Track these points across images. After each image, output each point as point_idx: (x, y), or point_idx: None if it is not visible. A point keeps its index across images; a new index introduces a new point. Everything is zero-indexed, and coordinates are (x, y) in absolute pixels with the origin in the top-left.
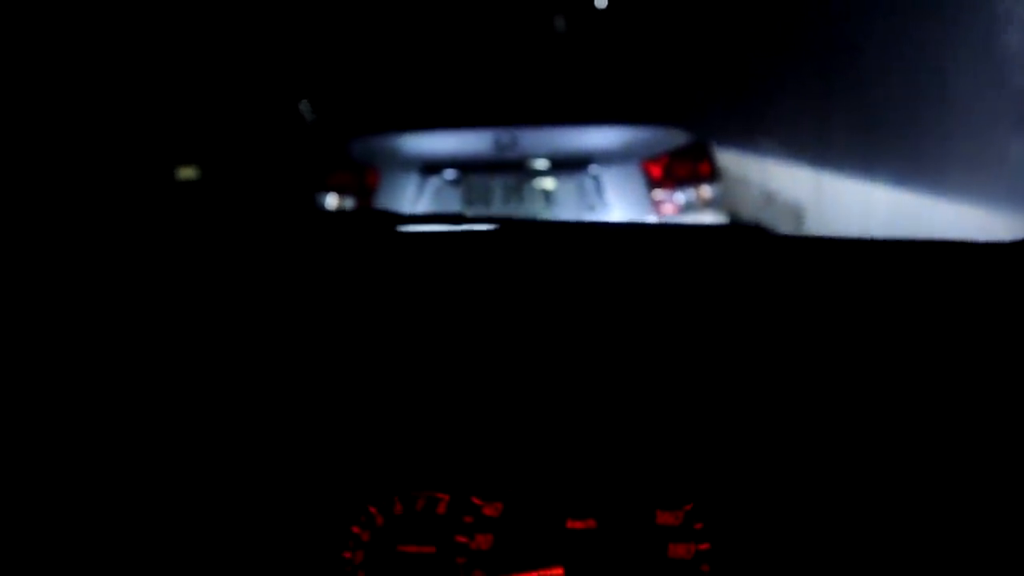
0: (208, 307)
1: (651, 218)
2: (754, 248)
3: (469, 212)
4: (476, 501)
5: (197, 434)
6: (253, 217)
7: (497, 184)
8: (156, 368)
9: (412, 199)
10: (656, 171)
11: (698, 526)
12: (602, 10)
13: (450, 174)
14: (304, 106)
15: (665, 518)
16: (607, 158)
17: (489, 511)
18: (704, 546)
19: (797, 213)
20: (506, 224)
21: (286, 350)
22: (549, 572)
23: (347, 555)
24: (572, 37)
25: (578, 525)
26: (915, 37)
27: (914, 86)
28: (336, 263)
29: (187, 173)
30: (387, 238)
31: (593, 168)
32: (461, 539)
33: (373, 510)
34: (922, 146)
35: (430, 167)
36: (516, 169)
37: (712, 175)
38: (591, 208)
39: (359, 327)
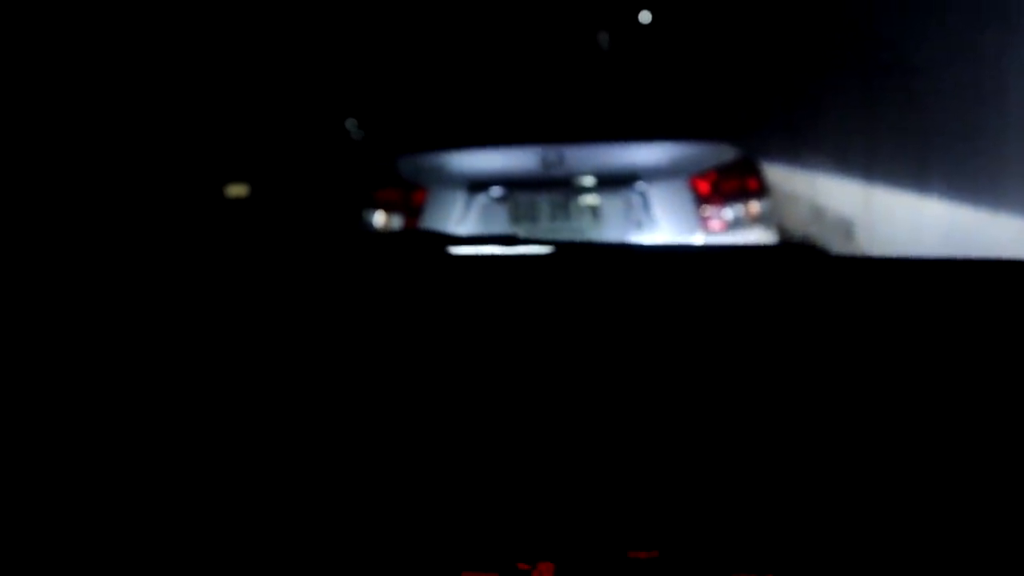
0: (256, 330)
1: (699, 234)
2: (806, 269)
3: (516, 229)
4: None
5: (227, 462)
6: (302, 237)
7: (544, 201)
8: (205, 392)
9: (459, 217)
10: (704, 187)
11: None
12: (646, 25)
13: (497, 191)
14: (351, 124)
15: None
16: (654, 174)
17: None
18: (770, 575)
19: (847, 229)
20: (557, 247)
21: (332, 378)
22: None
23: None
24: (617, 53)
25: (641, 555)
26: (967, 50)
27: (967, 99)
28: (387, 285)
29: (236, 191)
30: (438, 259)
31: (640, 185)
32: None
33: None
34: (976, 160)
35: (477, 185)
36: (563, 186)
37: (760, 190)
38: (638, 225)
39: (408, 355)
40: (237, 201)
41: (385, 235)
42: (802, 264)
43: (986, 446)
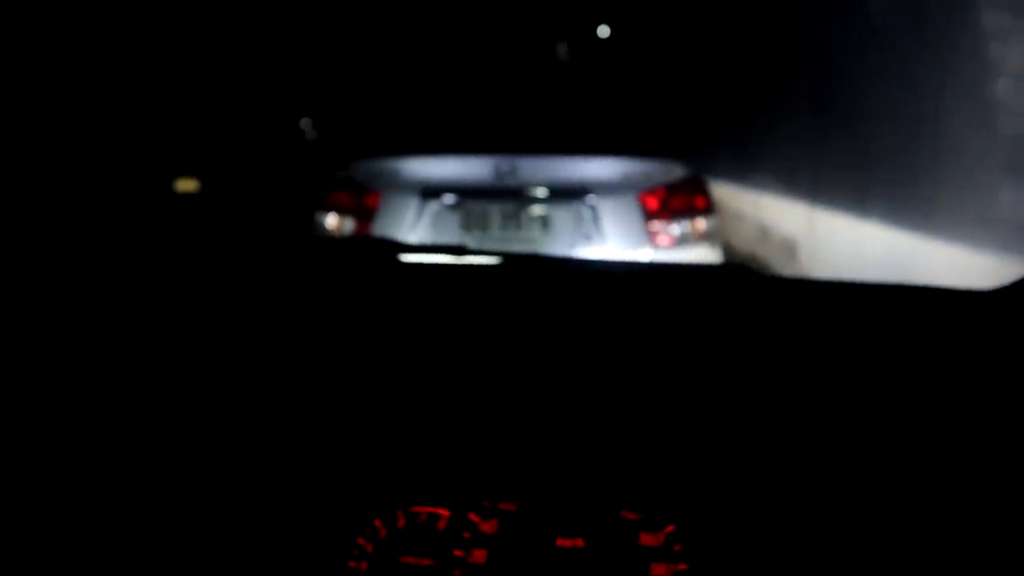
0: (210, 323)
1: (647, 249)
2: (743, 288)
3: (467, 237)
4: (473, 518)
5: (205, 450)
6: (253, 239)
7: (496, 210)
8: (153, 381)
9: (411, 222)
10: (652, 203)
11: (678, 548)
12: (605, 40)
13: (450, 199)
14: (306, 124)
15: (648, 539)
16: (604, 189)
17: (486, 528)
18: (683, 566)
19: (790, 248)
20: (506, 259)
21: (291, 369)
22: None
23: (352, 564)
24: (574, 66)
25: (567, 543)
26: (911, 80)
27: (908, 127)
28: (337, 289)
29: (187, 185)
30: (388, 267)
31: (590, 198)
32: (458, 553)
33: (378, 523)
34: (914, 186)
35: (430, 191)
36: (515, 196)
37: (707, 208)
38: (587, 237)
39: (364, 348)
40: (187, 196)
41: (336, 241)
42: (740, 284)
43: (900, 453)
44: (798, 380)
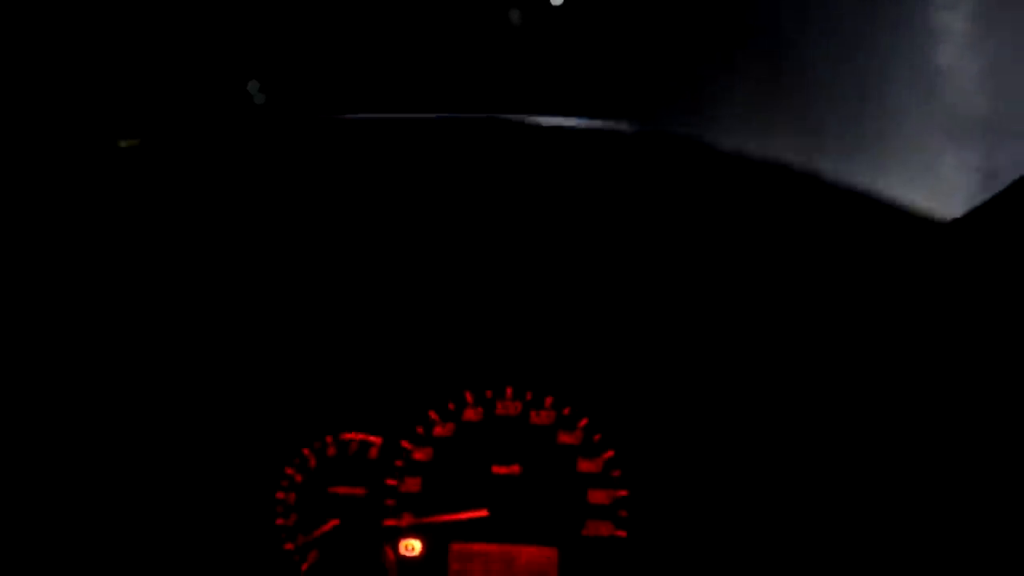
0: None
1: None
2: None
3: None
4: (406, 445)
5: (130, 373)
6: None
7: None
8: (95, 296)
9: None
10: None
11: (616, 473)
12: (557, 7)
13: None
14: (253, 86)
15: (586, 465)
16: None
17: (419, 455)
18: (622, 492)
19: None
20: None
21: (225, 276)
22: (474, 514)
23: (280, 495)
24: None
25: (503, 470)
26: (859, 45)
27: (855, 93)
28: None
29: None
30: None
31: None
32: (391, 482)
33: (307, 452)
34: (862, 151)
35: None
36: None
37: None
38: None
39: (291, 253)
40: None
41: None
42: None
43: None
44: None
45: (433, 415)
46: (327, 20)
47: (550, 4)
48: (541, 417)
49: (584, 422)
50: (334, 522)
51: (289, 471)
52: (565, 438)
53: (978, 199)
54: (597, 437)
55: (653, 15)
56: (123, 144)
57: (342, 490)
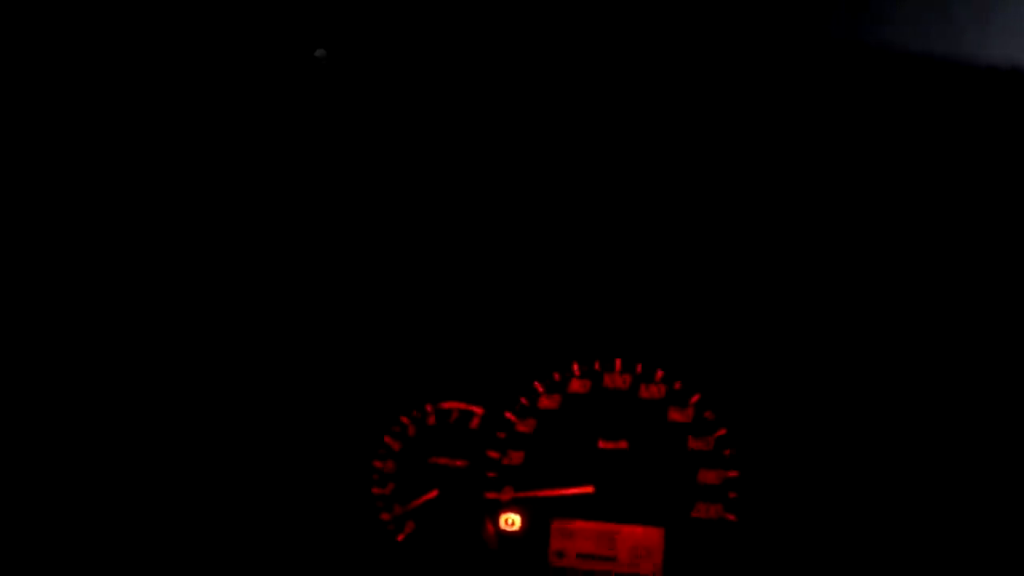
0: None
1: None
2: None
3: None
4: (510, 417)
5: (227, 350)
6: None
7: None
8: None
9: None
10: None
11: (727, 453)
12: None
13: None
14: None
15: (696, 444)
16: None
17: (522, 428)
18: (733, 473)
19: None
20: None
21: (317, 265)
22: (579, 490)
23: (378, 464)
24: None
25: (610, 446)
26: None
27: None
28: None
29: None
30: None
31: None
32: (493, 454)
33: (406, 420)
34: None
35: None
36: None
37: None
38: None
39: (391, 234)
40: None
41: None
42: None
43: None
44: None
45: (538, 386)
46: None
47: None
48: (651, 391)
49: (696, 398)
50: (433, 493)
51: (387, 439)
52: (675, 415)
53: None
54: (709, 415)
55: None
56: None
57: (442, 460)
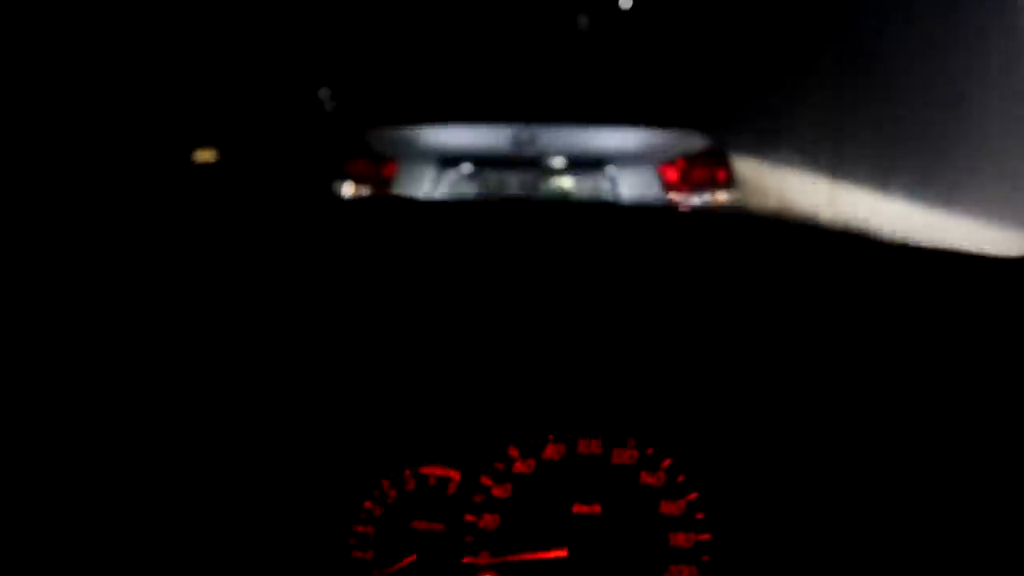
0: (218, 288)
1: None
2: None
3: None
4: (486, 481)
5: (206, 409)
6: (269, 201)
7: (513, 180)
8: (164, 347)
9: (429, 191)
10: (672, 175)
11: (700, 516)
12: (626, 11)
13: (467, 168)
14: (324, 93)
15: (668, 507)
16: (623, 159)
17: (498, 492)
18: (705, 536)
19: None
20: (517, 202)
21: (299, 330)
22: (553, 554)
23: (359, 529)
24: (595, 36)
25: (584, 510)
26: (938, 55)
27: (934, 104)
28: (349, 243)
29: (204, 156)
30: (400, 221)
31: (610, 169)
32: (470, 518)
33: (386, 485)
34: (939, 163)
35: (448, 160)
36: (533, 167)
37: (728, 181)
38: None
39: (373, 304)
40: (205, 166)
41: (349, 200)
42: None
43: (917, 417)
44: (824, 335)
45: (513, 451)
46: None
47: (619, 8)
48: (623, 456)
49: (667, 463)
50: (412, 557)
51: (368, 504)
52: (648, 479)
53: None
54: (681, 478)
55: (725, 21)
56: (198, 158)
57: (421, 525)
